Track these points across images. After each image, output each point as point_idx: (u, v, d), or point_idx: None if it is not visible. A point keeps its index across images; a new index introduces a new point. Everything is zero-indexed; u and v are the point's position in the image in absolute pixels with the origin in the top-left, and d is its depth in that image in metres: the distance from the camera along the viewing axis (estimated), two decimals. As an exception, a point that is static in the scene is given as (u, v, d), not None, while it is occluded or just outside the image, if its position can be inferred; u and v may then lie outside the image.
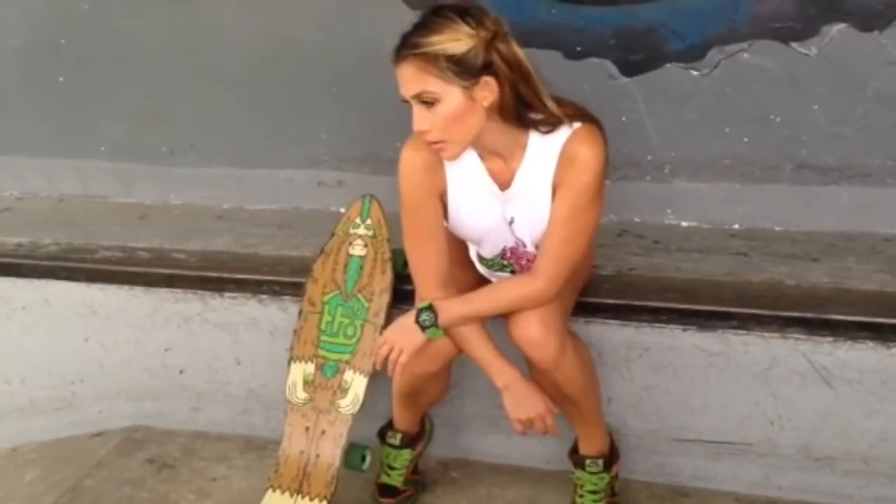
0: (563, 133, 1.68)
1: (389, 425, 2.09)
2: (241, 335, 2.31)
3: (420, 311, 1.77)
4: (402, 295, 2.04)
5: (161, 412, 2.42)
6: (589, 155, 1.66)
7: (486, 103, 1.61)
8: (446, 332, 1.79)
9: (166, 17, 2.72)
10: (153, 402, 2.42)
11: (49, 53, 2.88)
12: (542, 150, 1.70)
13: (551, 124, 1.68)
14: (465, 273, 1.94)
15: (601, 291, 2.09)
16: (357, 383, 2.01)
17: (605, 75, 2.38)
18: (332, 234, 2.15)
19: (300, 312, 2.10)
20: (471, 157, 1.75)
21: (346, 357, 2.04)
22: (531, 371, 1.82)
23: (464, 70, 1.57)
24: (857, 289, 2.05)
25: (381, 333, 2.01)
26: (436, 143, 1.64)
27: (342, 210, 2.20)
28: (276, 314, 2.26)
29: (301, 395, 2.04)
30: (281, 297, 2.26)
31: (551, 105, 1.65)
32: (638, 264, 2.24)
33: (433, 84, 1.58)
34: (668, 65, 2.33)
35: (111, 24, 2.79)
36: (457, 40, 1.56)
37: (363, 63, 2.57)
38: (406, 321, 1.80)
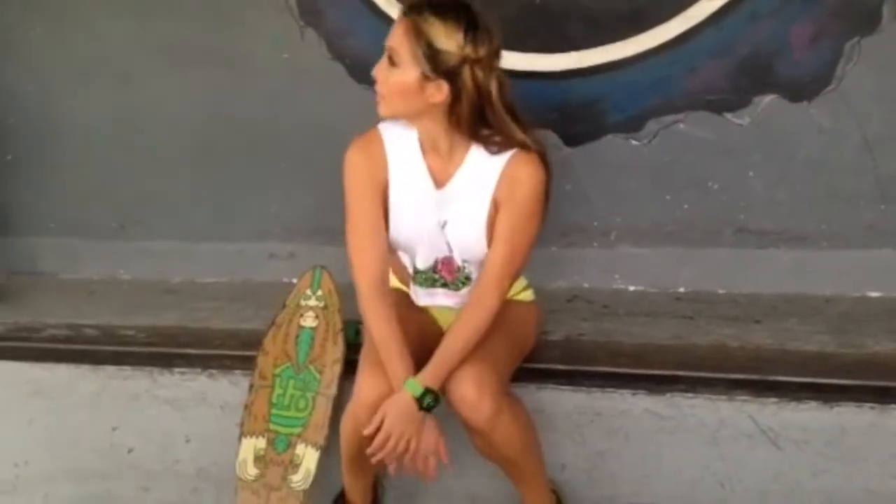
0: (507, 153, 1.78)
1: (342, 497, 2.06)
2: (190, 411, 2.27)
3: (421, 398, 1.72)
4: (354, 366, 2.00)
5: (109, 493, 2.35)
6: (528, 176, 1.77)
7: (431, 100, 1.71)
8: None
9: (110, 96, 2.73)
10: (101, 483, 2.35)
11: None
12: (484, 163, 1.80)
13: (502, 147, 1.78)
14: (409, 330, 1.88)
15: (552, 357, 2.11)
16: (309, 458, 1.99)
17: (549, 145, 2.43)
18: (284, 306, 2.15)
19: (251, 386, 2.08)
20: (413, 151, 1.83)
21: (297, 430, 2.02)
22: (469, 434, 1.82)
23: (431, 61, 1.67)
24: (798, 350, 2.09)
25: (332, 405, 2.00)
26: (378, 94, 1.75)
27: (294, 281, 2.21)
28: (226, 389, 2.24)
29: (252, 471, 2.01)
30: (231, 371, 2.24)
31: (515, 134, 1.75)
32: (588, 329, 2.27)
33: (404, 50, 1.69)
34: (609, 135, 2.41)
35: (57, 103, 2.79)
36: (446, 38, 1.66)
37: (311, 137, 2.62)
38: (404, 410, 1.72)
